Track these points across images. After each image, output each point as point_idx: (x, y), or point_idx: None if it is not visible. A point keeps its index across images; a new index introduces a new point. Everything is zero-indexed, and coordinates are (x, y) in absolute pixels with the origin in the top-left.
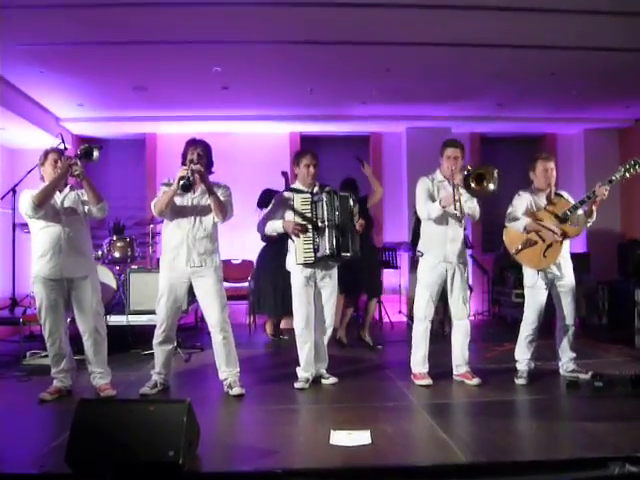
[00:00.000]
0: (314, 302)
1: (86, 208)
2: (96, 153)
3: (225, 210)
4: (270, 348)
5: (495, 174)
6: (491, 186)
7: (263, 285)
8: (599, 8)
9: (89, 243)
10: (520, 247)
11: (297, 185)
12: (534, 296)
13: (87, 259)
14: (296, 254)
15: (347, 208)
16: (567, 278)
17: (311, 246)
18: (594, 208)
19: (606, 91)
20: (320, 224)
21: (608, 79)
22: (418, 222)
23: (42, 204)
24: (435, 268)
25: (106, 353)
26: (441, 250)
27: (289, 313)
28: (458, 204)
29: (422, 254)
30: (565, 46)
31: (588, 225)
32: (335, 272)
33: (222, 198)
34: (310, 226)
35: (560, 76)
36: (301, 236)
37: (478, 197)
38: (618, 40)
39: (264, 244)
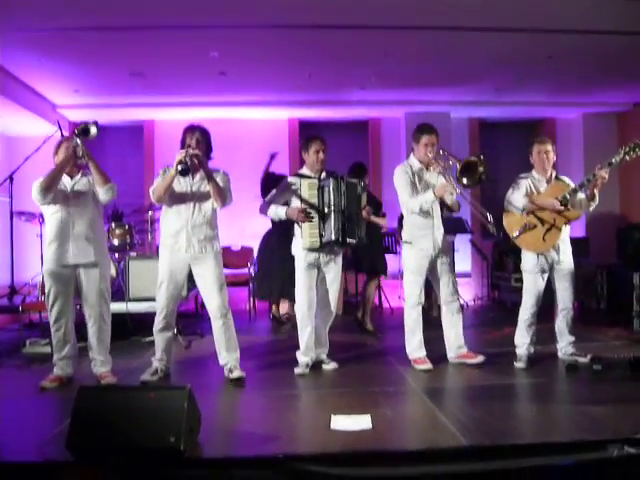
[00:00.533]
0: (317, 287)
1: (98, 195)
2: (93, 129)
3: (224, 196)
4: (270, 334)
5: (482, 163)
6: (478, 174)
7: (267, 270)
8: None
9: (101, 229)
10: (520, 231)
11: (304, 171)
12: (533, 280)
13: (97, 245)
14: (302, 238)
15: (354, 194)
16: (566, 262)
17: (317, 231)
18: (596, 191)
19: (605, 75)
20: (326, 209)
21: (607, 63)
22: None
23: (49, 188)
24: (424, 255)
25: (109, 341)
26: (430, 237)
27: (292, 297)
28: (455, 188)
29: (410, 242)
30: (563, 29)
31: (591, 209)
32: (340, 257)
33: (221, 184)
34: (316, 212)
35: (558, 60)
36: (307, 221)
37: (474, 186)
38: (616, 23)
39: (268, 229)
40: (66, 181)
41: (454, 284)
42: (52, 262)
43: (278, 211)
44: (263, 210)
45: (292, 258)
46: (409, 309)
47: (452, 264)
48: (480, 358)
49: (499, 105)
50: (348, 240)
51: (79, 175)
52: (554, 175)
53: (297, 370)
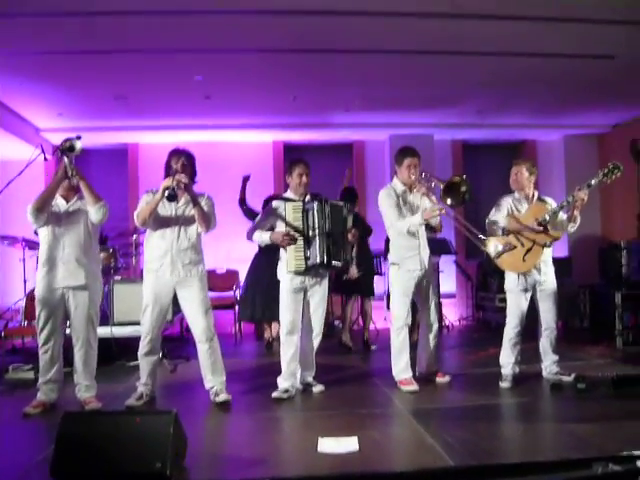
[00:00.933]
0: (303, 310)
1: (90, 215)
2: (78, 145)
3: (209, 220)
4: (256, 357)
5: (464, 182)
6: (462, 193)
7: (255, 292)
8: (578, 16)
9: (94, 253)
10: (500, 251)
11: (288, 194)
12: (515, 300)
13: (88, 269)
14: (287, 262)
15: (339, 217)
16: (548, 282)
17: (302, 254)
18: (576, 213)
19: (585, 97)
20: (311, 232)
21: (587, 86)
22: None
23: (40, 210)
24: (411, 276)
25: (95, 366)
26: (417, 259)
27: (276, 319)
28: (438, 217)
29: (397, 265)
30: (545, 53)
31: (572, 229)
32: (326, 281)
33: (205, 209)
34: (301, 235)
35: (540, 83)
36: (292, 245)
37: (458, 206)
38: (595, 47)
39: (257, 252)
40: (61, 203)
41: (437, 306)
42: (42, 284)
43: (262, 236)
44: (249, 235)
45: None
46: (396, 330)
47: (437, 286)
48: (447, 378)
49: (482, 127)
50: (333, 263)
51: (75, 198)
52: (536, 195)
53: (275, 394)
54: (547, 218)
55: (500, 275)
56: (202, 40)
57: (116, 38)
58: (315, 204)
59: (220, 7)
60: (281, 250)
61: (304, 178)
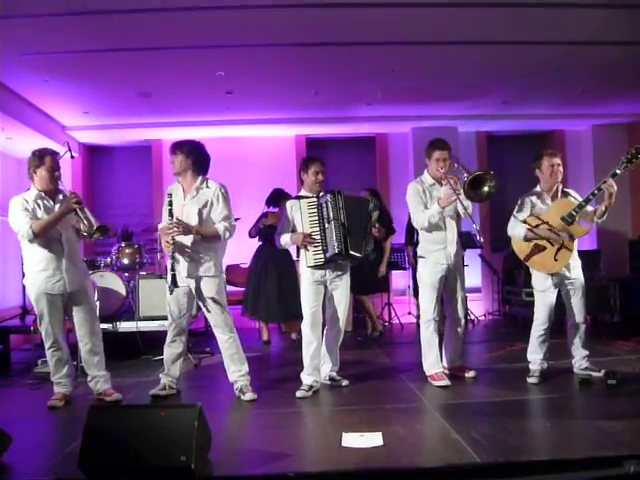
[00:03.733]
0: (326, 305)
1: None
2: (108, 227)
3: (222, 236)
4: (279, 351)
5: (491, 178)
6: (485, 189)
7: (256, 288)
8: (603, 1)
9: (80, 253)
10: (529, 253)
11: (303, 192)
12: (543, 298)
13: (81, 269)
14: (306, 257)
15: (359, 209)
16: (576, 277)
17: (320, 248)
18: (605, 207)
19: (614, 86)
20: (326, 224)
21: (615, 74)
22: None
23: (40, 236)
24: (439, 269)
25: (103, 356)
26: (442, 252)
27: (290, 318)
28: (459, 201)
29: (424, 258)
30: (570, 41)
31: (597, 221)
32: (347, 274)
33: (219, 223)
34: (317, 229)
35: (566, 72)
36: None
37: (474, 200)
38: (624, 34)
39: (259, 245)
40: (47, 204)
41: (464, 302)
42: (44, 291)
43: (285, 239)
44: (278, 243)
45: (287, 276)
46: (424, 324)
47: (463, 281)
48: (472, 373)
49: (507, 118)
50: (352, 253)
51: (60, 196)
52: (560, 189)
53: (299, 393)
54: (574, 214)
55: (527, 268)
56: (223, 35)
57: (139, 36)
58: (328, 197)
59: (241, 2)
60: (300, 250)
61: (320, 176)
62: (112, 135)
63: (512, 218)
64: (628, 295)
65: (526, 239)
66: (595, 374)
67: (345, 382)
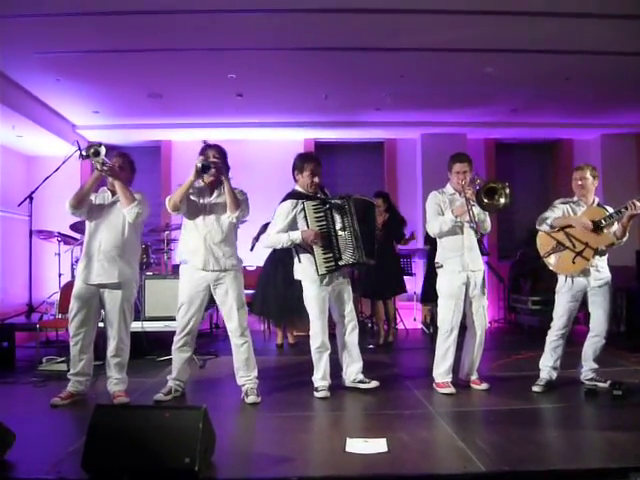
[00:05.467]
0: (334, 307)
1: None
2: (103, 149)
3: (239, 205)
4: (286, 354)
5: (506, 189)
6: (502, 200)
7: (269, 291)
8: (613, 11)
9: (132, 250)
10: (549, 251)
11: (299, 188)
12: (562, 302)
13: (124, 266)
14: (316, 265)
15: (367, 213)
16: (602, 289)
17: (331, 255)
18: (623, 226)
19: (623, 96)
20: (340, 232)
21: (625, 83)
22: None
23: (77, 206)
24: (456, 278)
25: (126, 361)
26: (459, 260)
27: (292, 322)
28: (471, 213)
29: (441, 265)
30: (580, 50)
31: (621, 243)
32: (347, 275)
33: (238, 197)
34: (327, 235)
35: (575, 81)
36: (319, 246)
37: (489, 211)
38: (634, 44)
39: (270, 252)
40: (107, 196)
41: (484, 310)
42: (79, 278)
43: (292, 236)
44: (269, 242)
45: (295, 281)
46: (442, 335)
47: (484, 291)
48: (485, 385)
49: (516, 126)
50: (365, 259)
51: (114, 197)
52: (596, 201)
53: (319, 394)
54: (603, 222)
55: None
56: (235, 39)
57: (151, 37)
58: (338, 201)
59: (253, 6)
60: (300, 257)
61: (316, 179)
62: (122, 135)
63: (546, 212)
64: (635, 305)
65: (554, 226)
66: (601, 385)
67: (375, 383)
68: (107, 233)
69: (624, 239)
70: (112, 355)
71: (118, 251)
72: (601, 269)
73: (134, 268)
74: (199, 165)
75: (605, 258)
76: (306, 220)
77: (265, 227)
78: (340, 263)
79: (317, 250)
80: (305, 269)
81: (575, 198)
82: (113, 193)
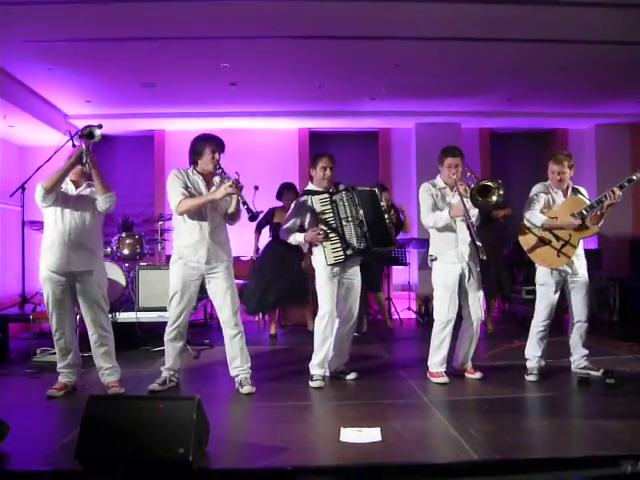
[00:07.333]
0: (340, 299)
1: (97, 203)
2: (98, 132)
3: (238, 219)
4: (278, 345)
5: (500, 189)
6: (494, 198)
7: (262, 283)
8: (609, 1)
9: (99, 239)
10: (533, 245)
11: (312, 187)
12: (545, 293)
13: (93, 254)
14: (325, 256)
15: (372, 202)
16: (580, 276)
17: (339, 245)
18: (601, 214)
19: (617, 86)
20: (344, 223)
21: (619, 73)
22: None
23: (51, 190)
24: (451, 269)
25: (113, 349)
26: (454, 252)
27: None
28: (467, 215)
29: (435, 258)
30: (575, 40)
31: (594, 228)
32: (358, 268)
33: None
34: (334, 227)
35: (570, 71)
36: (327, 239)
37: (481, 208)
38: (629, 33)
39: (269, 241)
40: (70, 188)
41: (480, 301)
42: (48, 270)
43: (297, 237)
44: (283, 236)
45: (294, 268)
46: (438, 326)
47: (479, 283)
48: (478, 374)
49: (510, 116)
50: (374, 249)
51: (84, 185)
52: (570, 185)
53: (314, 384)
54: (584, 213)
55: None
56: (228, 27)
57: (144, 25)
58: (343, 194)
59: None
60: (312, 249)
61: (328, 172)
62: (114, 124)
63: (529, 211)
64: (628, 295)
65: (543, 228)
66: (594, 373)
67: (353, 375)
68: (75, 224)
69: (600, 224)
70: (97, 345)
71: (88, 241)
72: (580, 257)
73: (101, 257)
74: (247, 215)
75: (582, 246)
76: (315, 214)
77: (271, 211)
78: (348, 252)
79: (325, 243)
80: (317, 259)
81: (549, 182)
82: (77, 185)
